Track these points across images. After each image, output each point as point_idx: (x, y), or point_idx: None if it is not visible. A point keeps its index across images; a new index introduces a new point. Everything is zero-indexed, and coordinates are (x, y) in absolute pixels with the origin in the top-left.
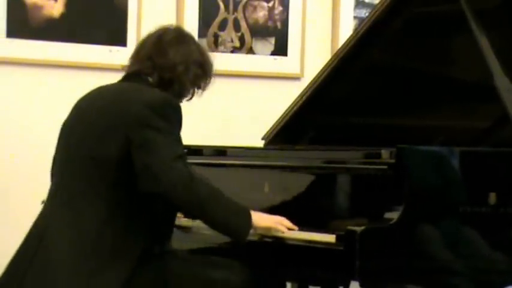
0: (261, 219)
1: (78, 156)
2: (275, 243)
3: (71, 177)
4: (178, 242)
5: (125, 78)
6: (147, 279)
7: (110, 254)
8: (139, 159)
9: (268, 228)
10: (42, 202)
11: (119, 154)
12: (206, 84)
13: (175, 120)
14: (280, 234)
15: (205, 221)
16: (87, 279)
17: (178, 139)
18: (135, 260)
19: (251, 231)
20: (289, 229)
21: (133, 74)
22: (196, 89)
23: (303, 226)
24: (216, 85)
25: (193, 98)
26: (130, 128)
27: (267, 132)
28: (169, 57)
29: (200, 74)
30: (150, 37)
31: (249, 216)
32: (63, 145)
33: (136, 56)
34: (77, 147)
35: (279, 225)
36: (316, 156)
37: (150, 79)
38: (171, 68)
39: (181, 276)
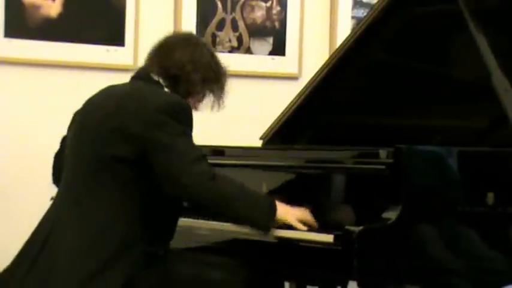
0: (284, 213)
1: (87, 156)
2: (273, 243)
3: (79, 177)
4: (177, 242)
5: (133, 78)
6: (149, 281)
7: (112, 254)
8: (159, 163)
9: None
10: (52, 198)
11: (127, 155)
12: (218, 91)
13: (188, 122)
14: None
15: (229, 218)
16: (87, 280)
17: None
18: (136, 261)
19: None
20: (309, 227)
21: (140, 73)
22: (208, 93)
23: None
24: None
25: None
26: (145, 131)
27: (265, 132)
28: (175, 56)
29: (212, 77)
30: (158, 42)
31: (274, 208)
32: (72, 144)
33: (146, 58)
34: (85, 147)
35: (299, 224)
36: (314, 156)
37: (156, 77)
38: (177, 65)
39: (183, 277)
